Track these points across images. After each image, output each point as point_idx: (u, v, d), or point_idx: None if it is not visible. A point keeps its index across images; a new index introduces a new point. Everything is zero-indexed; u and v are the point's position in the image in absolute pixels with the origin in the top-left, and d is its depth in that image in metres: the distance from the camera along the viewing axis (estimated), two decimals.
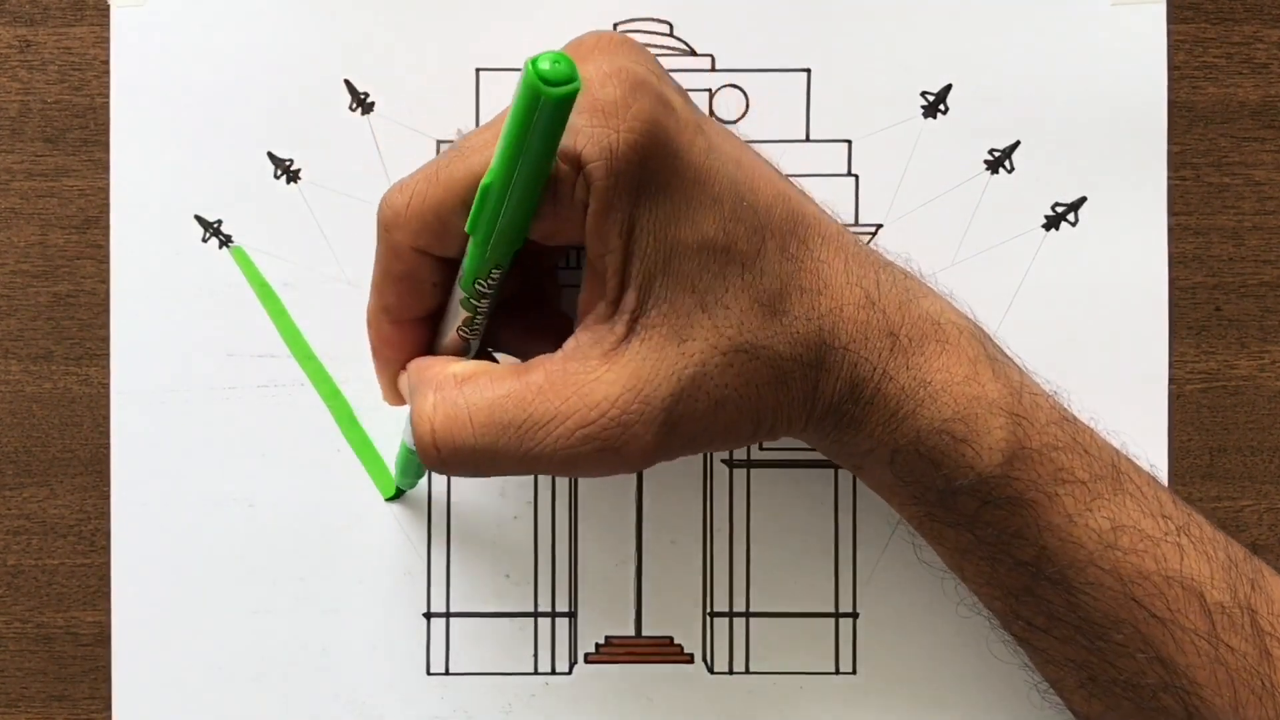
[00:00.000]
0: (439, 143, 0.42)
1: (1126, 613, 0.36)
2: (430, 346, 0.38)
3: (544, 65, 0.29)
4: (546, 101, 0.30)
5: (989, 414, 0.36)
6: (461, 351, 0.37)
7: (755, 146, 0.40)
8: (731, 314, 0.34)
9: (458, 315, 0.36)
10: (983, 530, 0.37)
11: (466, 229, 0.33)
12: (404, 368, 0.37)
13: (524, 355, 0.38)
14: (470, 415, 0.34)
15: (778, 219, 0.35)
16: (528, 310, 0.39)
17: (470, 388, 0.34)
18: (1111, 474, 0.37)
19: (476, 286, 0.35)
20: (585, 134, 0.33)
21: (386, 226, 0.35)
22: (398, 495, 0.42)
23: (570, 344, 0.34)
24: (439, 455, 0.34)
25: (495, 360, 0.38)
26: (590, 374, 0.34)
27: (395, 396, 0.38)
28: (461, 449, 0.34)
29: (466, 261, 0.34)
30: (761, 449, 0.43)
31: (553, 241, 0.35)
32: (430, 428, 0.34)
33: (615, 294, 0.34)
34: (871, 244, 0.42)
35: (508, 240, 0.33)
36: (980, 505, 0.36)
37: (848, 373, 0.36)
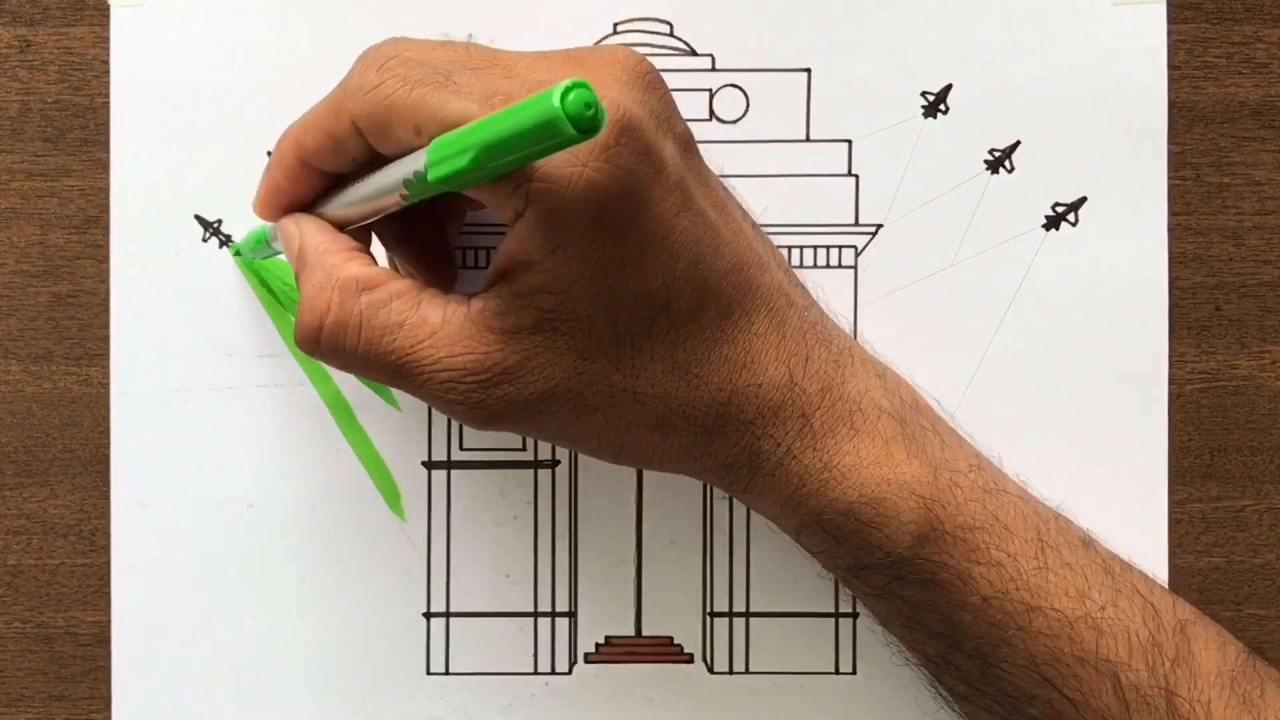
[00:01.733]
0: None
1: (1041, 690, 0.36)
2: (318, 197, 0.37)
3: (578, 109, 0.28)
4: (560, 137, 0.29)
5: (899, 497, 0.36)
6: (349, 230, 0.37)
7: (756, 146, 0.40)
8: (641, 359, 0.34)
9: (363, 199, 0.35)
10: (896, 602, 0.37)
11: (429, 174, 0.32)
12: (287, 207, 0.37)
13: (398, 263, 0.39)
14: (361, 328, 0.34)
15: (727, 288, 0.35)
16: (421, 235, 0.39)
17: (368, 299, 0.34)
18: (1035, 550, 0.37)
19: (403, 195, 0.34)
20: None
21: (348, 91, 0.34)
22: (236, 254, 0.42)
23: (477, 303, 0.34)
24: (318, 349, 0.35)
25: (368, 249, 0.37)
26: (483, 341, 0.34)
27: (268, 212, 0.38)
28: (340, 351, 0.35)
29: (413, 174, 0.33)
30: None
31: (476, 204, 0.35)
32: (319, 323, 0.35)
33: (535, 290, 0.34)
34: (865, 252, 0.42)
35: (454, 189, 0.33)
36: (891, 580, 0.37)
37: (748, 444, 0.36)
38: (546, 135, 0.29)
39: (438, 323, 0.34)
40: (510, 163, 0.30)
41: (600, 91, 0.32)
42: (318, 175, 0.37)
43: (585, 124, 0.28)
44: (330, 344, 0.35)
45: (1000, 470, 0.39)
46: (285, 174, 0.37)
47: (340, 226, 0.37)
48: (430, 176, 0.32)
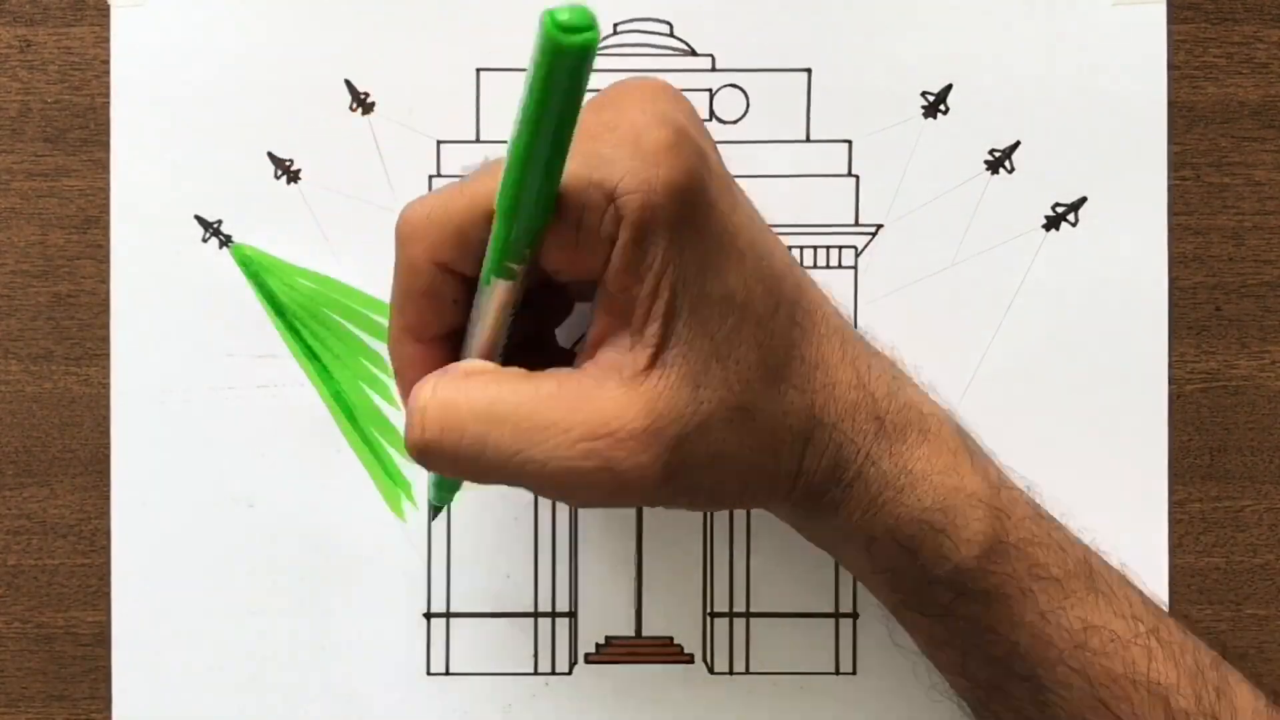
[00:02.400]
0: (439, 143, 0.42)
1: (1093, 714, 0.36)
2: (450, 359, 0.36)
3: (563, 15, 0.29)
4: (568, 49, 0.29)
5: (968, 506, 0.36)
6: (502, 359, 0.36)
7: (756, 146, 0.40)
8: (741, 369, 0.34)
9: (479, 333, 0.35)
10: (956, 623, 0.37)
11: (496, 204, 0.32)
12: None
13: None
14: (469, 404, 0.33)
15: (789, 286, 0.35)
16: (530, 355, 0.38)
17: (475, 381, 0.33)
18: (1084, 571, 0.37)
19: (507, 265, 0.33)
20: (623, 166, 0.32)
21: (405, 240, 0.34)
22: (435, 513, 0.42)
23: (588, 365, 0.34)
24: (423, 438, 0.33)
25: None
26: (605, 393, 0.33)
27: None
28: (449, 434, 0.33)
29: (493, 244, 0.33)
30: None
31: (566, 275, 0.34)
32: (423, 408, 0.33)
33: (640, 326, 0.33)
34: (865, 252, 0.42)
35: (537, 206, 0.32)
36: (955, 597, 0.36)
37: (832, 452, 0.35)
38: (553, 55, 0.29)
39: (554, 389, 0.33)
40: (555, 115, 0.30)
41: (638, 108, 0.33)
42: (436, 348, 0.36)
43: (579, 23, 0.29)
44: (435, 428, 0.33)
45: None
46: (407, 364, 0.36)
47: (491, 358, 0.35)
48: (516, 232, 0.32)
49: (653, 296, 0.33)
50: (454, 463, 0.33)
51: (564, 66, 0.29)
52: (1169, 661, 0.36)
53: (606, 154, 0.32)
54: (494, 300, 0.34)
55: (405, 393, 0.36)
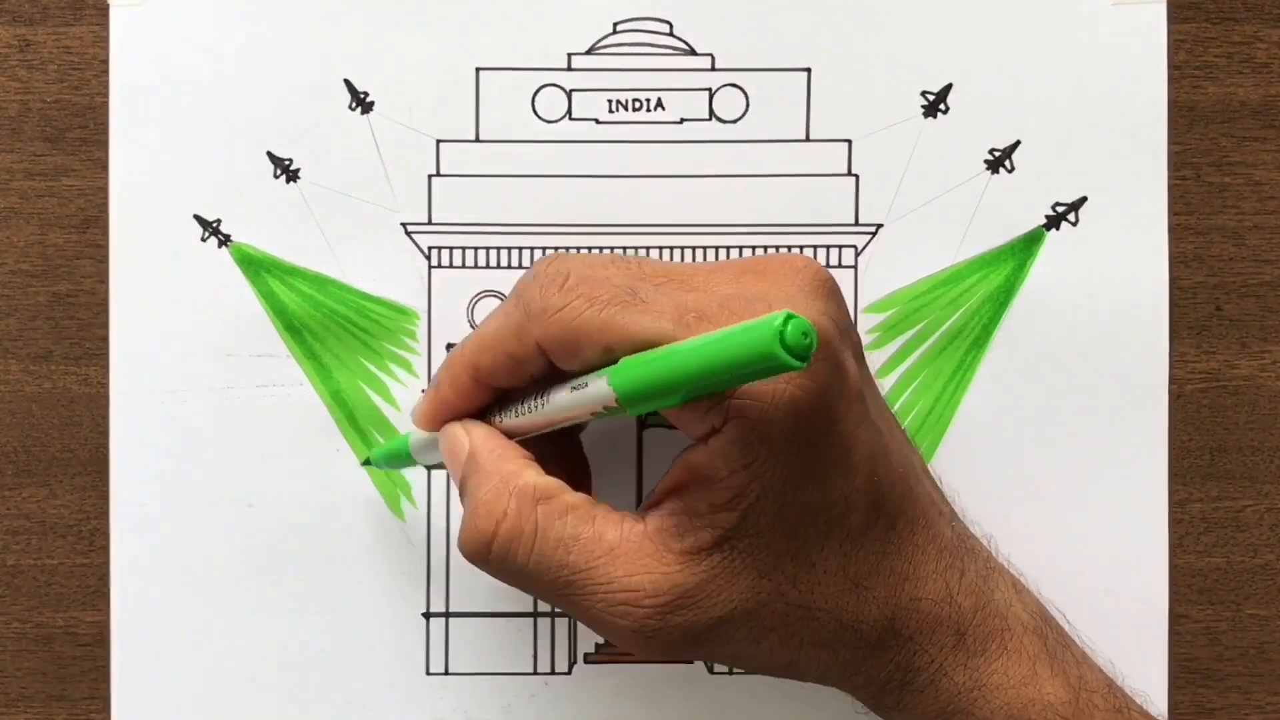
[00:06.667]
0: (438, 142, 0.42)
1: None
2: (486, 407, 0.37)
3: (796, 338, 0.28)
4: (777, 367, 0.28)
5: (1043, 718, 0.35)
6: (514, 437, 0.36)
7: (756, 146, 0.40)
8: (815, 573, 0.34)
9: (544, 415, 0.35)
10: None
11: (629, 409, 0.32)
12: (450, 418, 0.37)
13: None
14: (536, 539, 0.34)
15: (896, 498, 0.35)
16: (559, 433, 0.38)
17: (544, 510, 0.34)
18: None
19: (594, 414, 0.33)
20: None
21: (533, 315, 0.34)
22: (365, 463, 0.42)
23: (654, 521, 0.34)
24: (488, 556, 0.34)
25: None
26: (662, 562, 0.33)
27: (431, 424, 0.38)
28: (510, 561, 0.34)
29: (610, 403, 0.33)
30: None
31: (661, 418, 0.34)
32: (494, 531, 0.34)
33: (718, 507, 0.33)
34: (865, 252, 0.42)
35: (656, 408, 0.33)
36: None
37: (904, 660, 0.35)
38: (762, 365, 0.29)
39: (615, 540, 0.33)
40: (714, 390, 0.30)
41: (789, 305, 0.32)
42: (489, 391, 0.36)
43: (802, 353, 0.28)
44: (502, 552, 0.34)
45: (1124, 688, 0.38)
46: (457, 392, 0.36)
47: (532, 435, 0.36)
48: (631, 411, 0.32)
49: (741, 491, 0.33)
50: (502, 578, 0.34)
51: (760, 371, 0.29)
52: None
53: None
54: (591, 401, 0.33)
55: (433, 402, 0.37)
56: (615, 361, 0.32)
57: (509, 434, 0.36)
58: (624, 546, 0.33)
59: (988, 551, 0.38)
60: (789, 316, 0.28)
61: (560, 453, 0.38)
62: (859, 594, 0.34)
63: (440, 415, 0.37)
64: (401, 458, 0.39)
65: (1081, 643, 0.38)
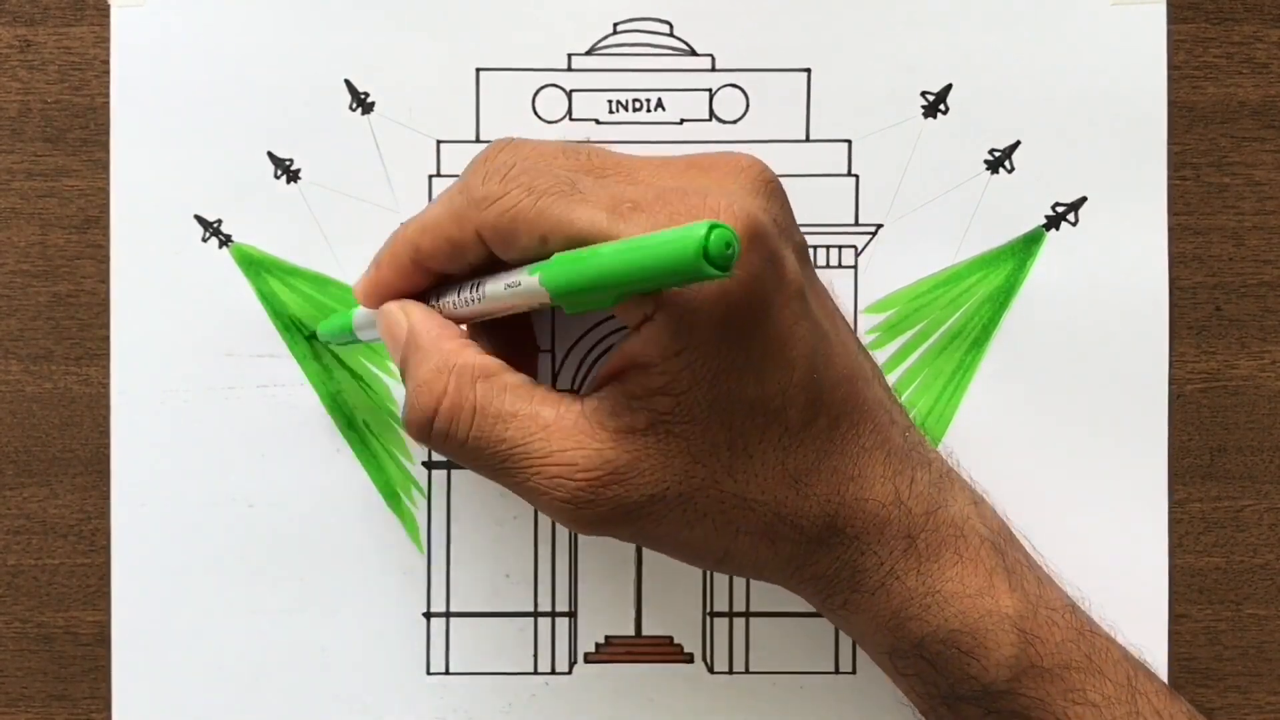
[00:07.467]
0: (439, 142, 0.42)
1: None
2: (426, 290, 0.37)
3: (719, 249, 0.28)
4: (698, 275, 0.29)
5: (1000, 629, 0.36)
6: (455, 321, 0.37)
7: (757, 147, 0.39)
8: (753, 464, 0.34)
9: (479, 303, 0.35)
10: None
11: (565, 308, 0.33)
12: (389, 298, 0.37)
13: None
14: (475, 416, 0.34)
15: (838, 399, 0.35)
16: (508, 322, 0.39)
17: (484, 388, 0.34)
18: (1127, 695, 0.36)
19: (529, 308, 0.34)
20: None
21: (472, 202, 0.34)
22: (311, 337, 0.42)
23: (591, 402, 0.34)
24: (428, 433, 0.35)
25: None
26: (596, 439, 0.34)
27: (371, 301, 0.38)
28: (451, 437, 0.34)
29: (544, 299, 0.33)
30: None
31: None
32: (434, 408, 0.34)
33: (655, 390, 0.33)
34: (865, 252, 0.42)
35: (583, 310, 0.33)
36: (985, 714, 0.36)
37: (851, 559, 0.36)
38: (684, 273, 0.29)
39: (551, 417, 0.34)
40: (644, 291, 0.31)
41: (727, 200, 0.32)
42: (429, 274, 0.37)
43: (723, 262, 0.28)
44: (443, 430, 0.34)
45: (1090, 613, 0.38)
46: (396, 271, 0.37)
47: (476, 322, 0.37)
48: (569, 310, 0.32)
49: (674, 377, 0.33)
50: (443, 453, 0.35)
51: (679, 278, 0.29)
52: None
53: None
54: (525, 297, 0.34)
55: (374, 278, 0.37)
56: (551, 254, 0.33)
57: (447, 318, 0.36)
58: (560, 423, 0.34)
59: (947, 465, 0.38)
60: (713, 226, 0.28)
61: (508, 332, 0.39)
62: (798, 489, 0.35)
63: (379, 294, 0.37)
64: (346, 333, 0.40)
65: (1050, 569, 0.38)
